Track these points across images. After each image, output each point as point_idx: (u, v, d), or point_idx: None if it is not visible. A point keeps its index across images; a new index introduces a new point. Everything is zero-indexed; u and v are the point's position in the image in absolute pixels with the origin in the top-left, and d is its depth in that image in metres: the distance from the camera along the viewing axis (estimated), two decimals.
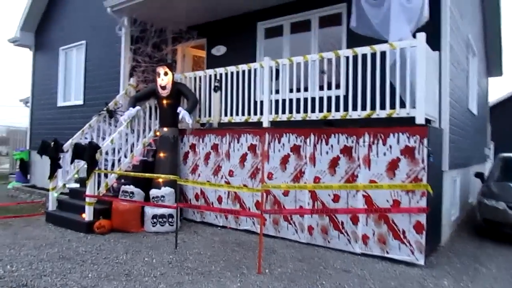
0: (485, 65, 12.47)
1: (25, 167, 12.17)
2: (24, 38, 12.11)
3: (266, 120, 6.42)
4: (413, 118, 5.07)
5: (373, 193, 5.24)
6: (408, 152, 5.01)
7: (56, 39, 11.40)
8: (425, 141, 4.90)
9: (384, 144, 5.20)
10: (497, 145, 16.36)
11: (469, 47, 8.39)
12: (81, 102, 10.32)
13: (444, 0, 5.90)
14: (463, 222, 7.89)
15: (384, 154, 5.19)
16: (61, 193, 7.46)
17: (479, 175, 8.11)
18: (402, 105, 5.19)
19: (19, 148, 13.82)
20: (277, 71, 6.42)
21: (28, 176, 12.14)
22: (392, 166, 5.12)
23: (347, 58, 5.59)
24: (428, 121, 5.21)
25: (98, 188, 6.55)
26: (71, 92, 10.92)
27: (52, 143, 7.03)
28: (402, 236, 4.99)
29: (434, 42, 5.52)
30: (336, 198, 5.56)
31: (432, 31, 5.36)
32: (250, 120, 6.66)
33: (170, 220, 6.29)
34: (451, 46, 6.10)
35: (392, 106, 5.22)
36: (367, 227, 5.29)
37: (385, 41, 5.49)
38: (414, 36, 5.27)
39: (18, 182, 11.76)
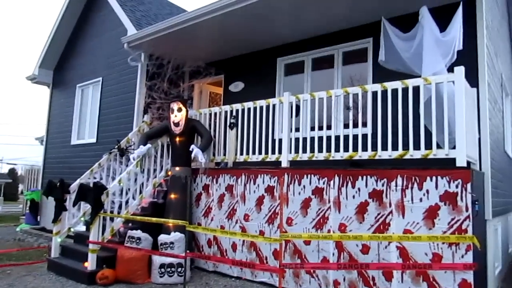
0: None
1: (35, 208, 11.71)
2: (43, 76, 12.15)
3: (285, 160, 5.93)
4: (452, 160, 4.51)
5: (409, 245, 4.57)
6: (449, 198, 4.39)
7: (74, 76, 11.40)
8: (469, 186, 4.29)
9: (420, 188, 4.60)
10: None
11: (503, 87, 7.89)
12: (94, 140, 10.06)
13: (481, 35, 5.51)
14: (507, 276, 7.02)
15: (421, 200, 4.58)
16: (68, 236, 6.98)
17: None
18: (439, 145, 4.65)
19: (32, 188, 13.55)
20: (298, 107, 6.01)
21: (38, 218, 11.70)
22: (431, 214, 4.49)
23: (376, 93, 5.14)
24: (468, 163, 4.63)
25: (103, 233, 6.05)
26: (85, 129, 10.72)
27: (58, 184, 6.64)
28: None
29: (471, 78, 5.05)
30: (365, 249, 4.91)
31: (468, 67, 4.88)
32: (268, 159, 6.18)
33: (179, 270, 5.69)
34: (488, 84, 5.61)
35: (428, 146, 4.67)
36: (403, 284, 4.58)
37: (417, 76, 5.06)
38: (448, 71, 4.84)
39: (27, 225, 11.30)
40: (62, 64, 12.06)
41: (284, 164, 5.92)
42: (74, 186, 6.79)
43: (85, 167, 7.94)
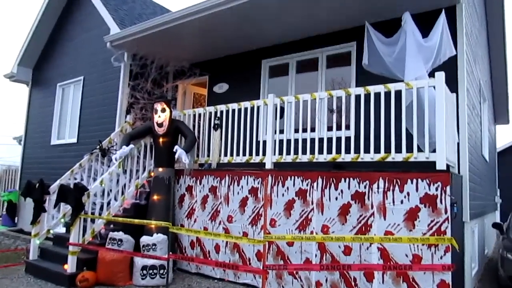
0: (492, 112, 12.25)
1: (13, 210, 11.37)
2: (21, 74, 11.83)
3: (269, 161, 5.95)
4: (432, 163, 4.61)
5: (389, 246, 4.65)
6: (429, 200, 4.49)
7: (54, 75, 11.16)
8: (448, 189, 4.40)
9: (401, 191, 4.69)
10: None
11: (481, 93, 8.12)
12: (74, 140, 9.87)
13: (460, 42, 5.66)
14: (483, 277, 7.22)
15: (401, 202, 4.67)
16: (47, 238, 6.82)
17: (497, 225, 7.54)
18: (420, 148, 4.75)
19: (9, 189, 13.18)
20: (282, 109, 6.04)
21: (16, 220, 11.37)
22: (411, 216, 4.59)
23: (359, 96, 5.21)
24: (447, 167, 4.74)
25: (84, 234, 5.94)
26: (65, 129, 10.50)
27: (37, 184, 6.48)
28: None
29: (450, 84, 5.16)
30: (347, 251, 4.97)
31: (448, 73, 4.97)
32: (252, 161, 6.18)
33: (161, 272, 5.64)
34: (467, 90, 5.77)
35: (409, 149, 4.76)
36: (383, 285, 4.66)
37: (399, 80, 5.16)
38: (429, 76, 4.96)
39: (4, 226, 10.95)
40: (42, 62, 11.80)
41: (268, 165, 5.94)
42: (54, 187, 6.65)
43: (65, 168, 7.78)
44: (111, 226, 6.31)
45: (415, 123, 4.73)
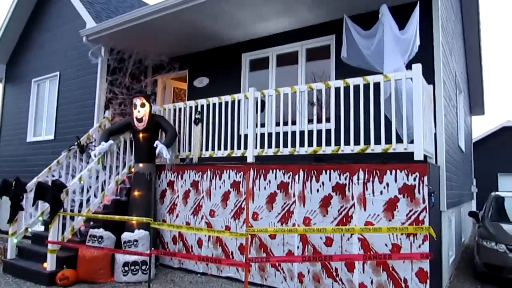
0: (468, 103, 12.54)
1: None
2: None
3: (250, 155, 5.95)
4: (410, 154, 4.70)
5: (370, 237, 4.74)
6: (408, 191, 4.58)
7: (29, 71, 10.84)
8: (426, 179, 4.50)
9: (380, 182, 4.77)
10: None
11: (457, 84, 8.30)
12: (51, 137, 9.64)
13: (436, 34, 5.75)
14: (460, 264, 7.43)
15: (381, 193, 4.75)
16: (25, 237, 6.66)
17: (473, 214, 7.76)
18: (399, 140, 4.84)
19: None
20: (263, 102, 6.04)
21: None
22: (390, 206, 4.67)
23: (338, 89, 5.25)
24: (425, 157, 4.84)
25: (63, 232, 5.82)
26: (42, 126, 10.25)
27: (14, 182, 6.31)
28: (404, 285, 4.47)
29: (427, 75, 5.26)
30: (329, 242, 5.03)
31: (425, 65, 5.05)
32: (234, 155, 6.18)
33: (143, 268, 5.60)
34: (444, 81, 5.89)
35: (388, 141, 4.83)
36: (364, 274, 4.75)
37: (378, 73, 5.21)
38: (407, 68, 5.04)
39: None
40: (16, 58, 11.43)
41: (250, 159, 5.95)
42: (31, 184, 6.49)
43: (42, 165, 7.60)
44: (91, 223, 6.22)
45: (394, 115, 4.80)
